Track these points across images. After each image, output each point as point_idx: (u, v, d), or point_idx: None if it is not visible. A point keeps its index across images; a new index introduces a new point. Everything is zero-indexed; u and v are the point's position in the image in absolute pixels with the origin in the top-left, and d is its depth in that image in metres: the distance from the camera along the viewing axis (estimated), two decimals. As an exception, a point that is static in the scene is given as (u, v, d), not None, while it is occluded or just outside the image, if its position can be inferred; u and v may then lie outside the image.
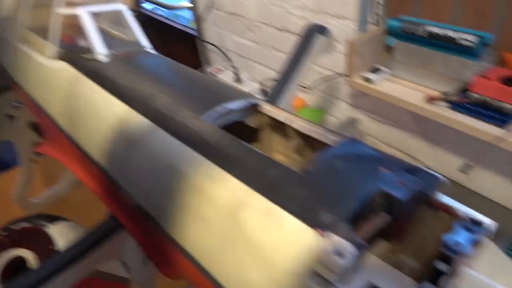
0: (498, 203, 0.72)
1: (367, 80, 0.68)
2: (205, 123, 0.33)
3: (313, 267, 0.22)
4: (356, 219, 0.23)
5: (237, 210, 0.27)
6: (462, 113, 0.58)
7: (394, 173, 0.25)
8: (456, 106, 0.58)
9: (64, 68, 0.48)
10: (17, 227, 0.60)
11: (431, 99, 0.61)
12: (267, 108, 0.37)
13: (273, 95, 0.57)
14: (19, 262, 0.57)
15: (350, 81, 0.70)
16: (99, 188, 0.45)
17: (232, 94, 0.38)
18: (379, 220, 0.24)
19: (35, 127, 0.81)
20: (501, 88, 0.53)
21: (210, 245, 0.29)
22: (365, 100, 0.87)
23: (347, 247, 0.22)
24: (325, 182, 0.25)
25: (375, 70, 0.70)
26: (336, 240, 0.22)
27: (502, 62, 0.58)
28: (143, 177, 0.36)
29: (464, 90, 0.58)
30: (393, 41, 0.66)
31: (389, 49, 0.69)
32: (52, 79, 0.50)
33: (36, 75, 0.54)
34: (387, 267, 0.24)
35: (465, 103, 0.57)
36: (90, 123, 0.43)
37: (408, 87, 0.66)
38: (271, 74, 1.08)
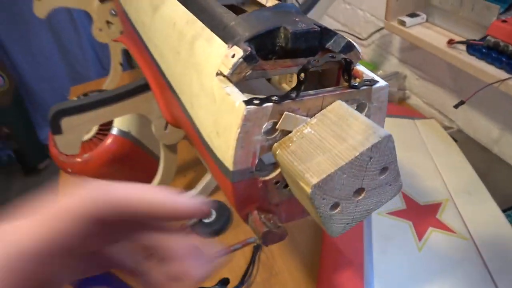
0: None
1: (402, 22, 0.72)
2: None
3: (219, 67, 0.32)
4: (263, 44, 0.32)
5: (194, 41, 0.38)
6: (476, 56, 0.59)
7: (300, 22, 0.33)
8: (471, 49, 0.60)
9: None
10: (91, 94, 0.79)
11: (450, 42, 0.63)
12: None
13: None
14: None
15: (386, 24, 0.74)
16: (138, 56, 0.60)
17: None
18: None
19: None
20: (512, 30, 0.54)
21: (179, 73, 0.41)
22: (412, 56, 0.89)
23: (240, 50, 0.31)
24: (249, 20, 0.34)
25: (413, 15, 0.72)
26: (235, 47, 0.32)
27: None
28: (158, 35, 0.48)
29: (484, 37, 0.60)
30: (432, -14, 0.68)
31: (430, -5, 0.71)
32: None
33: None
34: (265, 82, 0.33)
35: (480, 46, 0.58)
36: (138, 2, 0.56)
37: (438, 32, 0.69)
38: None
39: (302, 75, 0.30)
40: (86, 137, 0.74)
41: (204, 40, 0.36)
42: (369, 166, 0.28)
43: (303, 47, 0.33)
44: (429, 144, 0.74)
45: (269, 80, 0.51)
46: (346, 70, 0.32)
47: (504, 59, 0.55)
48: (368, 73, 0.35)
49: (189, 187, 0.78)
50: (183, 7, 0.43)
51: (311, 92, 0.31)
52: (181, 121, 0.46)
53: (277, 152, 0.31)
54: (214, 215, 0.70)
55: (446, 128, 0.81)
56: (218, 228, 0.69)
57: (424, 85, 0.88)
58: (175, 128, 0.62)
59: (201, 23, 0.38)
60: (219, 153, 0.33)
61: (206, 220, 0.70)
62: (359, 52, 0.35)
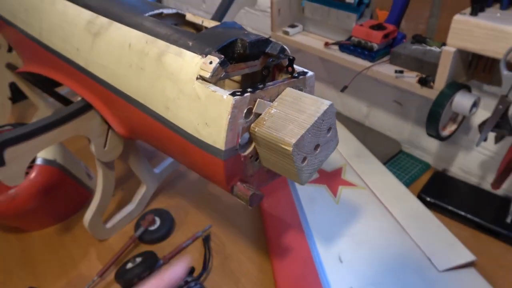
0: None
1: (286, 33, 0.89)
2: (146, 16, 0.51)
3: (198, 72, 0.41)
4: (225, 52, 0.43)
5: (161, 57, 0.46)
6: (346, 52, 0.79)
7: (249, 35, 0.44)
8: (342, 47, 0.80)
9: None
10: (1, 130, 0.75)
11: (326, 44, 0.82)
12: (189, 16, 0.56)
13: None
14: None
15: (273, 34, 0.91)
16: (69, 81, 0.63)
17: (163, 6, 0.57)
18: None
19: (10, 67, 0.96)
20: (368, 32, 0.74)
21: (145, 86, 0.48)
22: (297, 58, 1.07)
23: (215, 58, 0.41)
24: (209, 35, 0.44)
25: (293, 26, 0.90)
26: (210, 56, 0.41)
27: (376, 17, 0.81)
28: (105, 57, 0.53)
29: (349, 38, 0.80)
30: (304, 2, 0.87)
31: (303, 9, 0.89)
32: (36, 3, 0.66)
33: (21, 5, 0.70)
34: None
35: (348, 44, 0.78)
36: (65, 30, 0.59)
37: (314, 38, 0.87)
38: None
39: (266, 71, 0.41)
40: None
41: (172, 55, 0.45)
42: (322, 127, 0.41)
43: (255, 52, 0.44)
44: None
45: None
46: (290, 65, 0.44)
47: (366, 52, 0.75)
48: (298, 68, 0.48)
49: (122, 203, 0.80)
50: (136, 30, 0.49)
51: (270, 83, 0.43)
52: (144, 128, 0.52)
53: (256, 130, 0.42)
54: (158, 222, 0.76)
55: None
56: (164, 233, 0.75)
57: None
58: (113, 146, 0.67)
59: (163, 41, 0.46)
60: (209, 139, 0.41)
61: (152, 228, 0.75)
62: (289, 53, 0.48)
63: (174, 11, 0.56)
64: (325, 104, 0.41)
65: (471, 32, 0.57)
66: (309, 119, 0.40)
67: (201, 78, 0.41)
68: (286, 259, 0.63)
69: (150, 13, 0.53)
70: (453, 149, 0.81)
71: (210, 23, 0.54)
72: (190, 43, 0.44)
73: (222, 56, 0.41)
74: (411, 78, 0.70)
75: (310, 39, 0.87)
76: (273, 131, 0.40)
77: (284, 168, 0.42)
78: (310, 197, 0.73)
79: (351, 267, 0.60)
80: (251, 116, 0.42)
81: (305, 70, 0.47)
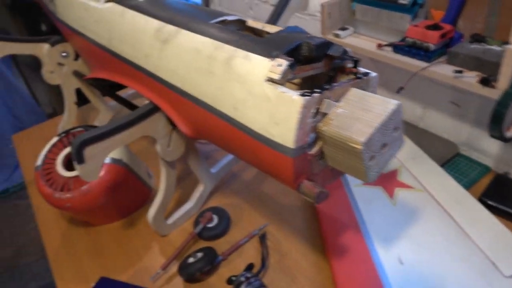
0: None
1: (336, 35, 0.90)
2: (212, 23, 0.54)
3: (268, 75, 0.44)
4: (291, 55, 0.44)
5: (229, 61, 0.48)
6: (400, 53, 0.79)
7: (313, 38, 0.46)
8: (396, 48, 0.79)
9: (114, 6, 0.70)
10: (74, 131, 0.81)
11: (379, 46, 0.82)
12: (251, 22, 0.58)
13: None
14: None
15: (323, 37, 0.92)
16: (137, 85, 0.67)
17: (225, 13, 0.60)
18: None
19: (77, 74, 1.03)
20: (424, 32, 0.73)
21: (214, 88, 0.51)
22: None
23: (284, 61, 0.43)
24: (275, 40, 0.46)
25: (343, 29, 0.91)
26: (278, 59, 0.43)
27: (430, 17, 0.80)
28: (174, 63, 0.57)
29: (403, 38, 0.79)
30: (355, 5, 0.87)
31: (353, 12, 0.90)
32: (105, 15, 0.72)
33: (92, 17, 0.76)
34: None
35: (402, 45, 0.78)
36: (136, 38, 0.64)
37: (365, 40, 0.88)
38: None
39: (333, 72, 0.43)
40: (76, 172, 0.77)
41: (240, 58, 0.47)
42: (389, 126, 0.42)
43: (320, 55, 0.46)
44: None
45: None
46: (355, 66, 0.45)
47: (422, 53, 0.74)
48: (361, 69, 0.49)
49: (180, 201, 0.84)
50: (203, 37, 0.53)
51: (336, 84, 0.44)
52: (210, 128, 0.55)
53: (323, 129, 0.43)
54: (216, 220, 0.79)
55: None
56: (222, 230, 0.78)
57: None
58: (176, 146, 0.71)
59: (230, 46, 0.49)
60: (279, 138, 0.43)
61: (210, 225, 0.78)
62: (351, 54, 0.49)
63: (236, 17, 0.59)
64: (393, 103, 0.42)
65: (539, 29, 0.55)
66: (377, 118, 0.41)
67: (270, 80, 0.43)
68: (345, 258, 0.63)
69: (215, 20, 0.56)
70: (516, 151, 0.79)
71: (271, 28, 0.56)
72: (258, 47, 0.46)
73: (292, 58, 0.43)
74: (470, 78, 0.69)
75: (361, 41, 0.87)
76: (341, 130, 0.42)
77: (351, 166, 0.43)
78: (366, 198, 0.74)
79: (412, 269, 0.60)
80: (318, 116, 0.43)
81: (368, 71, 0.48)
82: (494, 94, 0.64)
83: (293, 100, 0.41)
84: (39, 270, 1.79)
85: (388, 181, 0.77)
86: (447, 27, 0.73)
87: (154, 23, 0.61)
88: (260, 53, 0.46)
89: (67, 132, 0.81)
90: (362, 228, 0.68)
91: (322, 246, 0.71)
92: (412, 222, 0.68)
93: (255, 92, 0.45)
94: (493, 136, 0.65)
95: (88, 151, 0.58)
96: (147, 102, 0.66)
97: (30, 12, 2.01)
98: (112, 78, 0.76)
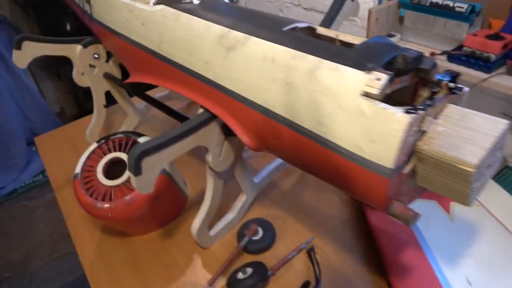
0: None
1: (383, 42, 0.87)
2: (284, 31, 0.51)
3: (364, 89, 0.41)
4: (388, 68, 0.42)
5: (314, 72, 0.45)
6: (456, 63, 0.76)
7: (406, 50, 0.43)
8: (452, 58, 0.77)
9: (166, 9, 0.67)
10: (114, 138, 0.78)
11: (433, 54, 0.79)
12: (321, 29, 0.55)
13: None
14: (119, 162, 0.76)
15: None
16: (190, 92, 0.64)
17: (294, 20, 0.57)
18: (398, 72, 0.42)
19: (108, 76, 1.00)
20: (484, 41, 0.71)
21: (292, 100, 0.47)
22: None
23: (383, 74, 0.40)
24: (366, 50, 0.43)
25: (390, 35, 0.88)
26: (376, 72, 0.40)
27: (489, 26, 0.77)
28: (241, 71, 0.54)
29: (459, 47, 0.77)
30: (404, 11, 0.85)
31: (401, 19, 0.87)
32: (156, 18, 0.68)
33: (139, 19, 0.72)
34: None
35: (459, 55, 0.75)
36: (193, 43, 0.61)
37: (414, 47, 0.85)
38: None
39: (435, 86, 0.40)
40: (118, 181, 0.73)
41: (328, 70, 0.44)
42: (497, 146, 0.39)
43: (415, 67, 0.43)
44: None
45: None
46: (453, 80, 0.43)
47: (481, 63, 0.72)
48: (449, 83, 0.46)
49: (220, 211, 0.81)
50: (278, 45, 0.50)
51: (437, 99, 0.41)
52: (281, 142, 0.52)
53: (424, 148, 0.40)
54: (261, 232, 0.76)
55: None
56: (268, 243, 0.74)
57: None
58: (227, 156, 0.68)
59: (313, 56, 0.46)
60: (374, 157, 0.40)
61: (255, 238, 0.75)
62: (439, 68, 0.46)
63: (306, 25, 0.56)
64: (502, 123, 0.39)
65: None
66: (488, 139, 0.38)
67: (366, 94, 0.41)
68: (409, 279, 0.61)
69: (286, 28, 0.53)
70: None
71: (345, 37, 0.53)
72: (347, 59, 0.43)
73: (392, 72, 0.40)
74: (535, 90, 0.66)
75: (411, 49, 0.85)
76: (447, 150, 0.39)
77: (450, 188, 0.41)
78: (422, 213, 0.71)
79: (483, 290, 0.57)
80: (419, 133, 0.41)
81: (459, 85, 0.46)
82: None
83: (395, 117, 0.38)
84: (49, 274, 1.75)
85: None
86: (509, 37, 0.71)
87: (217, 28, 0.58)
88: (352, 65, 0.43)
89: (106, 139, 0.78)
90: (422, 246, 0.65)
91: (376, 262, 0.68)
92: (473, 239, 0.66)
93: (347, 107, 0.42)
94: None
95: (146, 162, 0.55)
96: (201, 110, 0.63)
97: (46, 10, 1.97)
98: (157, 82, 0.73)
